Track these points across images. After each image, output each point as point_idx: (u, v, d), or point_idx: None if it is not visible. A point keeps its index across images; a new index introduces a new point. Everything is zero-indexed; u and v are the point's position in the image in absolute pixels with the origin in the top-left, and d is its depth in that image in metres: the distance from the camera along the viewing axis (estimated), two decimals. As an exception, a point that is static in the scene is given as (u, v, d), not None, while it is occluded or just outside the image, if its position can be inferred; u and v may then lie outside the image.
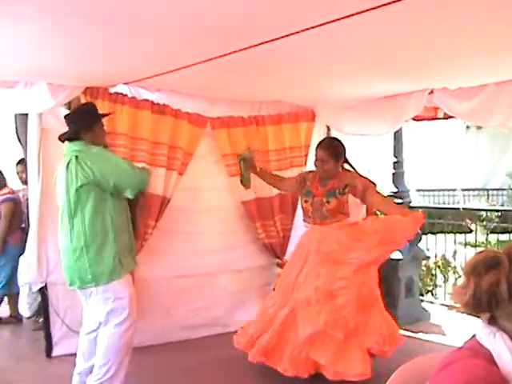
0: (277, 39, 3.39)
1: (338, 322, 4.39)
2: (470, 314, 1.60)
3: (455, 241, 8.39)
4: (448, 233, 8.24)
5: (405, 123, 6.15)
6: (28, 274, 5.29)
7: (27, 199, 5.80)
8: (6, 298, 6.76)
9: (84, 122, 4.26)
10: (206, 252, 5.91)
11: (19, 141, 5.49)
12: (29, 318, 6.31)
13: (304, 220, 4.98)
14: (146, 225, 5.37)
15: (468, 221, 10.04)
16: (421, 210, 7.57)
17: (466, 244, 8.50)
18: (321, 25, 3.10)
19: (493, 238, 9.37)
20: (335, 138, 5.21)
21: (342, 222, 4.69)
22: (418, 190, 15.09)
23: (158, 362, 5.23)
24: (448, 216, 8.97)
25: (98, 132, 4.33)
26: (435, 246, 7.98)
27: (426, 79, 4.92)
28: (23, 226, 6.30)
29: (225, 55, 3.84)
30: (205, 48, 3.78)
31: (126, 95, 5.28)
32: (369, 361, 4.39)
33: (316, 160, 4.82)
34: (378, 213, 5.16)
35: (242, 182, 5.33)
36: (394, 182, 6.84)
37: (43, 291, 5.32)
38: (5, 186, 6.70)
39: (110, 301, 4.15)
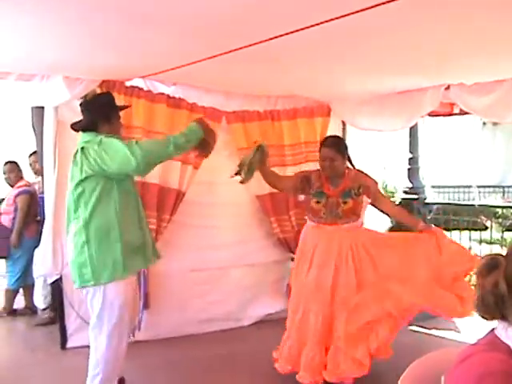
0: (292, 32, 3.38)
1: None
2: (484, 318, 1.67)
3: (470, 238, 8.34)
4: (463, 230, 8.19)
5: (420, 119, 6.13)
6: (43, 266, 5.33)
7: (42, 192, 5.86)
8: (21, 290, 6.81)
9: (102, 112, 4.02)
10: (220, 246, 5.93)
11: (35, 133, 5.53)
12: (43, 309, 6.35)
13: (311, 220, 4.83)
14: (161, 219, 5.42)
15: (483, 218, 9.98)
16: (435, 206, 7.64)
17: (481, 241, 8.45)
18: (336, 18, 3.09)
19: (508, 235, 9.31)
20: (337, 136, 5.20)
21: (353, 224, 4.66)
22: (434, 187, 15.01)
23: (172, 355, 5.24)
24: (463, 213, 8.92)
25: (115, 124, 4.08)
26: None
27: (443, 74, 4.89)
28: (38, 218, 6.35)
29: (240, 49, 3.83)
30: (220, 41, 3.78)
31: (141, 89, 5.31)
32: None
33: (323, 160, 4.69)
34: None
35: (242, 171, 4.53)
36: (409, 178, 6.81)
37: (57, 284, 5.36)
38: (21, 178, 6.76)
39: (102, 303, 3.83)
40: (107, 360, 3.87)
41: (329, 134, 6.13)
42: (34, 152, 6.50)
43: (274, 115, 6.11)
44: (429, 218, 6.78)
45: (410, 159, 6.82)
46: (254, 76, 5.02)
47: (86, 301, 3.97)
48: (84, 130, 3.98)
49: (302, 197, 4.91)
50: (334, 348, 4.46)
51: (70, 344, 5.39)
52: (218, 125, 5.65)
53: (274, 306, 6.11)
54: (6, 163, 6.79)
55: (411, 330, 5.95)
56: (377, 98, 5.82)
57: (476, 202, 9.11)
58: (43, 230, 5.29)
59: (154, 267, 5.11)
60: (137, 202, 4.09)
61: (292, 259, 5.98)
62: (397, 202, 6.76)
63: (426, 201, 6.98)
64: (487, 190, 17.73)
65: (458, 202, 13.44)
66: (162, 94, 5.39)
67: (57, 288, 5.42)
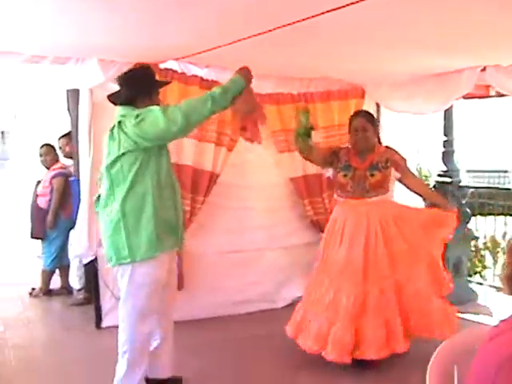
0: (328, 12, 3.35)
1: None
2: None
3: (506, 223, 8.22)
4: (498, 215, 8.06)
5: (455, 101, 6.05)
6: (79, 246, 5.41)
7: (73, 174, 5.97)
8: (57, 271, 6.92)
9: (142, 87, 3.86)
10: (253, 228, 5.97)
11: (70, 116, 5.59)
12: (79, 290, 6.45)
13: (339, 196, 4.84)
14: (195, 200, 5.46)
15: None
16: (470, 189, 7.53)
17: (516, 226, 8.32)
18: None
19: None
20: (367, 110, 5.22)
21: (382, 197, 4.63)
22: (468, 171, 14.83)
23: (205, 336, 5.29)
24: (498, 197, 8.76)
25: (154, 99, 3.89)
26: (485, 226, 7.84)
27: (479, 56, 4.82)
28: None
29: (274, 29, 3.82)
30: (254, 22, 3.76)
31: (175, 71, 5.33)
32: None
33: (355, 130, 4.70)
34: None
35: (300, 136, 4.72)
36: (443, 161, 6.73)
37: (92, 264, 5.44)
38: (57, 161, 6.85)
39: (131, 281, 3.76)
40: (134, 340, 3.82)
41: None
42: (64, 135, 6.58)
43: (307, 97, 6.09)
44: (463, 202, 6.70)
45: (445, 142, 6.72)
46: (287, 58, 4.99)
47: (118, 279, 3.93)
48: (122, 104, 3.85)
49: (329, 171, 4.89)
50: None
51: (104, 323, 5.48)
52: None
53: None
54: (43, 146, 6.89)
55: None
56: (411, 80, 5.76)
57: (512, 186, 8.94)
58: (78, 211, 5.35)
59: (189, 248, 5.15)
60: (172, 181, 3.95)
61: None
62: (431, 186, 6.70)
63: (461, 184, 6.89)
64: (524, 174, 17.47)
65: (493, 186, 13.14)
66: (196, 76, 5.40)
67: (92, 268, 5.50)
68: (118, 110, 3.83)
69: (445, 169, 6.69)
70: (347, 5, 3.19)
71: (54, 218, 6.57)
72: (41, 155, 6.84)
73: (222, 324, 5.60)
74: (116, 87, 4.01)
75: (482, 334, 1.66)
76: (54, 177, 6.68)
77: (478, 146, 16.59)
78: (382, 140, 4.95)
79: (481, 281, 7.39)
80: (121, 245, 3.72)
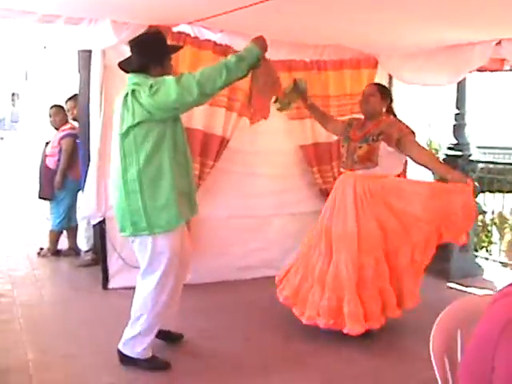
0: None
1: None
2: None
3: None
4: (507, 192, 8.02)
5: (469, 74, 6.00)
6: (87, 208, 5.44)
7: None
8: (65, 232, 6.97)
9: (154, 54, 3.81)
10: (262, 194, 5.98)
11: (80, 77, 5.59)
12: (86, 251, 6.49)
13: (340, 166, 4.92)
14: (204, 164, 5.47)
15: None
16: (480, 165, 7.49)
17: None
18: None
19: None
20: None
21: (371, 171, 4.55)
22: (479, 147, 14.71)
23: (211, 299, 5.35)
24: (508, 174, 8.70)
25: (166, 66, 3.85)
26: (493, 202, 7.80)
27: (494, 29, 4.76)
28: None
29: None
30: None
31: (188, 35, 5.29)
32: None
33: (362, 95, 4.72)
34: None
35: (278, 100, 4.72)
36: (454, 134, 6.68)
37: (101, 226, 5.47)
38: (66, 122, 6.85)
39: (152, 252, 3.79)
40: (152, 309, 3.87)
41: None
42: (70, 98, 6.58)
43: (320, 65, 6.06)
44: (473, 177, 6.68)
45: (457, 115, 6.67)
46: (301, 24, 4.95)
47: (133, 247, 3.95)
48: (134, 72, 3.82)
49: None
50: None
51: (111, 285, 5.54)
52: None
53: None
54: (52, 107, 6.90)
55: (448, 287, 5.96)
56: (425, 51, 5.72)
57: (523, 163, 8.86)
58: (88, 172, 5.37)
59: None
60: (185, 148, 3.92)
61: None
62: (440, 159, 6.67)
63: (471, 158, 6.85)
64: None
65: (504, 161, 13.02)
66: (209, 40, 5.37)
67: (100, 230, 5.54)
68: (131, 78, 3.80)
69: (455, 142, 6.65)
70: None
71: (61, 179, 6.59)
72: (50, 116, 6.86)
73: (227, 288, 5.65)
74: (127, 50, 3.95)
75: (486, 299, 1.67)
76: (62, 137, 6.69)
77: (490, 122, 16.44)
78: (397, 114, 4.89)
79: (487, 256, 7.39)
80: (137, 216, 3.72)
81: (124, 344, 3.97)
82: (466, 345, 1.67)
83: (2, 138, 21.53)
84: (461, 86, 6.59)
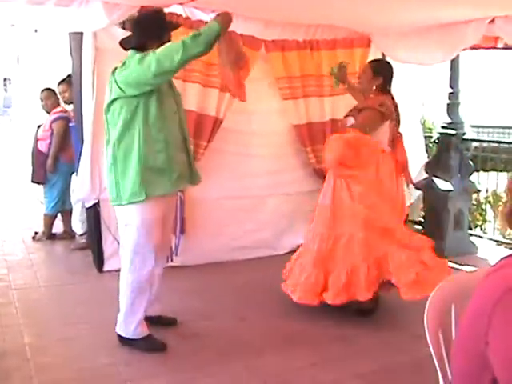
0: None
1: None
2: None
3: (508, 178, 8.15)
4: (501, 171, 8.02)
5: (462, 52, 5.98)
6: (81, 190, 5.42)
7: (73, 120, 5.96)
8: (59, 215, 6.96)
9: (152, 32, 3.85)
10: (256, 174, 5.98)
11: (72, 60, 5.54)
12: (81, 235, 6.49)
13: None
14: (197, 145, 5.45)
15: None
16: (474, 143, 7.50)
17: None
18: None
19: (547, 176, 9.12)
20: (387, 62, 5.19)
21: None
22: (473, 126, 14.72)
23: (206, 279, 5.36)
24: (502, 152, 8.69)
25: (164, 44, 3.77)
26: (487, 181, 7.80)
27: (488, 6, 4.73)
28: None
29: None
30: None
31: (180, 15, 5.27)
32: None
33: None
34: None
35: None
36: (448, 113, 6.68)
37: (95, 208, 5.46)
38: (58, 105, 6.81)
39: (120, 225, 4.00)
40: (130, 282, 3.94)
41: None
42: (62, 81, 6.55)
43: (313, 45, 6.04)
44: (468, 155, 6.69)
45: (450, 94, 6.66)
46: (294, 3, 4.92)
47: None
48: (132, 49, 3.85)
49: (351, 120, 4.80)
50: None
51: (106, 267, 5.54)
52: (256, 53, 5.64)
53: (308, 235, 6.15)
54: (43, 90, 6.84)
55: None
56: (418, 30, 5.70)
57: (516, 142, 8.88)
58: (81, 155, 5.35)
59: (191, 193, 5.18)
60: (176, 123, 3.97)
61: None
62: (433, 138, 6.67)
63: (465, 137, 6.85)
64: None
65: (497, 139, 13.00)
66: (201, 21, 5.33)
67: (94, 212, 5.52)
68: (128, 55, 3.86)
69: (449, 121, 6.65)
70: None
71: (53, 162, 6.56)
72: (41, 100, 6.80)
73: (222, 268, 5.65)
74: (119, 32, 3.99)
75: (479, 274, 1.67)
76: (54, 120, 6.64)
77: (484, 101, 16.41)
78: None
79: (481, 234, 7.41)
80: (112, 187, 3.89)
81: (119, 326, 4.05)
82: (460, 320, 1.67)
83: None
84: (454, 65, 6.58)
